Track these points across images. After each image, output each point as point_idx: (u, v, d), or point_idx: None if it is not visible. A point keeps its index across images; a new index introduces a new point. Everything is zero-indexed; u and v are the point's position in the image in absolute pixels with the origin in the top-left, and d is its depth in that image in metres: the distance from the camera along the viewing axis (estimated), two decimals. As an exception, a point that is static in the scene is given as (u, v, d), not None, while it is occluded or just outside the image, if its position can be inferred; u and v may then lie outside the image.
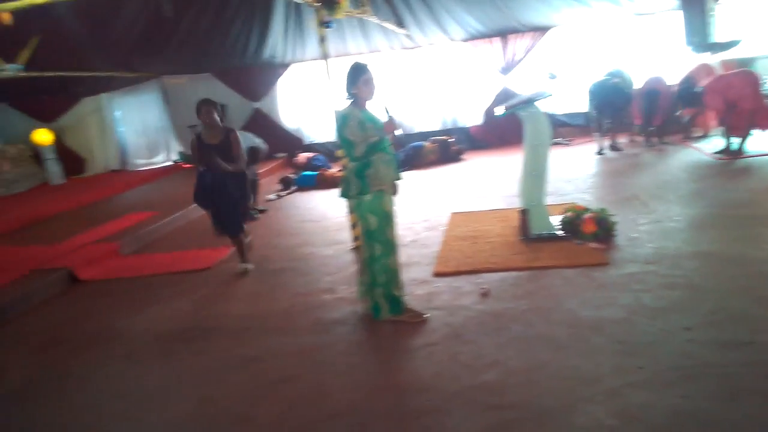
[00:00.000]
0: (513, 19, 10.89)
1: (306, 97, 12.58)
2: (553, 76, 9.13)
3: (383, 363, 3.71)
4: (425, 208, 7.29)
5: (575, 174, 8.22)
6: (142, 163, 13.27)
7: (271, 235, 7.06)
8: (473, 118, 12.22)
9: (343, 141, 4.00)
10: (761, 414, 2.67)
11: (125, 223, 7.83)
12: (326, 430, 2.99)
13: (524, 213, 5.50)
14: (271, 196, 9.39)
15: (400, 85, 12.10)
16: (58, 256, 6.42)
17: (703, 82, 8.56)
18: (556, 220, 5.54)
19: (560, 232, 5.43)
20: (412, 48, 11.94)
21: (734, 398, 2.78)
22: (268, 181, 10.38)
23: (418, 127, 12.36)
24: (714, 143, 8.82)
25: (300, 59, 12.20)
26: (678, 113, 9.64)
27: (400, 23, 10.66)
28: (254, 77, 12.52)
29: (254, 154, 8.08)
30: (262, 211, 8.35)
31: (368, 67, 3.96)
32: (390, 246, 4.04)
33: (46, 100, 12.40)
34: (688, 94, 9.03)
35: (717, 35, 8.46)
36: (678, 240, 5.03)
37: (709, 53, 9.00)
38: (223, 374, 3.73)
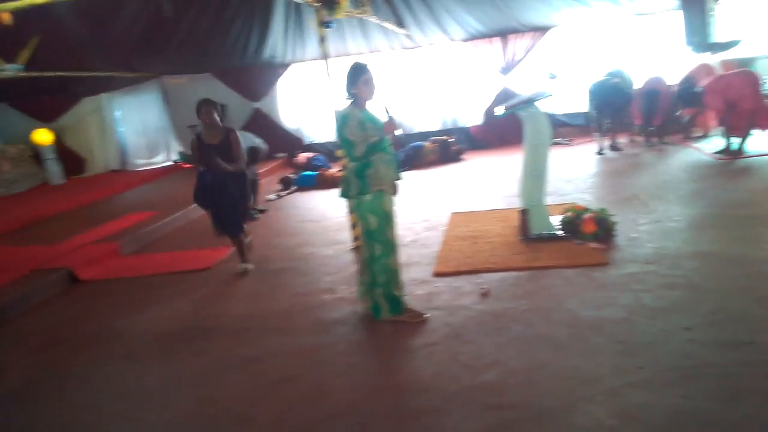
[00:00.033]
0: (513, 19, 10.89)
1: (306, 97, 12.59)
2: (553, 76, 9.14)
3: (383, 363, 3.71)
4: (425, 208, 7.29)
5: (575, 174, 8.22)
6: (142, 163, 13.28)
7: (271, 235, 7.06)
8: (473, 118, 12.22)
9: (343, 141, 4.00)
10: (761, 414, 2.67)
11: (125, 223, 7.83)
12: (326, 430, 2.99)
13: (524, 213, 5.50)
14: (271, 196, 9.39)
15: (400, 85, 12.09)
16: (58, 256, 6.42)
17: (703, 82, 8.56)
18: (556, 220, 5.54)
19: (560, 232, 5.43)
20: (412, 48, 11.94)
21: (734, 398, 2.78)
22: (268, 181, 10.38)
23: (418, 127, 12.36)
24: (714, 143, 8.82)
25: (300, 59, 12.20)
26: (678, 113, 9.64)
27: (400, 23, 10.66)
28: (254, 77, 12.52)
29: (254, 154, 8.08)
30: (262, 211, 8.35)
31: (368, 67, 3.96)
32: (390, 246, 4.04)
33: (46, 100, 12.40)
34: (688, 94, 9.03)
35: (717, 35, 8.46)
36: (678, 240, 5.03)
37: (709, 53, 9.00)
38: (223, 374, 3.73)
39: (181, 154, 12.81)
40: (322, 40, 6.03)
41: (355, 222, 5.49)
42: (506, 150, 10.88)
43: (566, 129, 11.45)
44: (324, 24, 5.94)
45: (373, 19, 9.13)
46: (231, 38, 10.72)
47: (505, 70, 11.66)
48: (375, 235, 4.00)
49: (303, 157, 11.57)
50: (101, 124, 13.01)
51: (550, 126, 5.56)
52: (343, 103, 4.01)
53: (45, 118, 12.49)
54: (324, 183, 9.77)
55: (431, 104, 12.35)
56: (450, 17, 10.86)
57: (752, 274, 4.16)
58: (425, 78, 12.17)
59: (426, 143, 11.03)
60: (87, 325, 4.93)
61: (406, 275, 4.50)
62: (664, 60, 10.34)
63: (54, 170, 12.23)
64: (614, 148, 9.61)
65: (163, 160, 13.21)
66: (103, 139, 13.13)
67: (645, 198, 6.47)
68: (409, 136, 11.69)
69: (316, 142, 12.77)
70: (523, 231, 5.52)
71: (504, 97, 11.04)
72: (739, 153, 7.95)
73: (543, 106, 5.52)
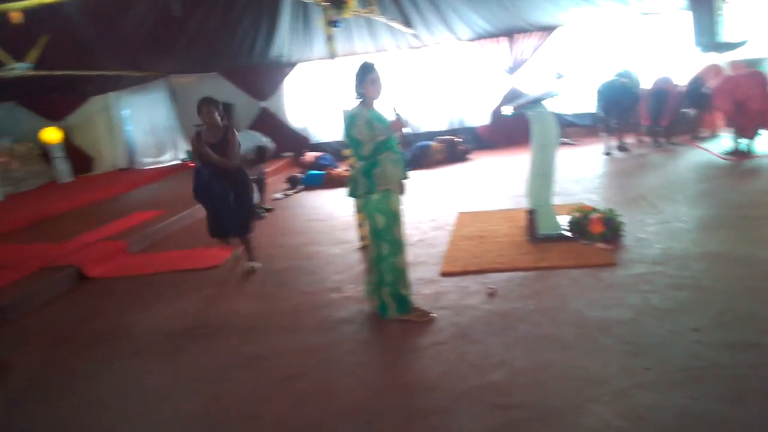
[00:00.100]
0: (520, 18, 10.88)
1: (312, 97, 12.61)
2: (560, 76, 9.10)
3: (390, 362, 3.71)
4: (432, 207, 7.29)
5: (583, 174, 8.20)
6: (150, 161, 13.32)
7: (278, 234, 7.08)
8: (480, 118, 12.21)
9: (351, 140, 4.01)
10: (770, 415, 2.66)
11: (133, 222, 7.87)
12: (333, 429, 3.00)
13: (531, 213, 5.49)
14: (278, 195, 9.41)
15: (407, 85, 12.10)
16: (66, 254, 6.45)
17: (712, 83, 8.53)
18: (563, 221, 5.52)
19: (567, 233, 5.41)
20: (419, 47, 11.95)
21: (742, 400, 2.77)
22: (275, 180, 10.41)
23: (424, 126, 12.36)
24: (722, 144, 8.78)
25: (307, 58, 12.22)
26: (685, 111, 9.61)
27: (408, 22, 10.66)
28: (261, 76, 12.55)
29: (262, 153, 8.12)
30: (269, 210, 8.37)
31: (375, 66, 3.97)
32: (397, 245, 4.05)
33: (55, 99, 12.46)
34: (696, 95, 9.00)
35: (725, 35, 8.42)
36: (686, 241, 5.02)
37: (717, 53, 8.96)
38: (230, 372, 3.74)
39: (188, 152, 12.83)
40: (330, 39, 6.05)
41: (362, 221, 5.49)
42: (513, 150, 10.85)
43: (574, 129, 11.42)
44: (332, 23, 5.95)
45: (380, 19, 9.14)
46: (238, 37, 10.76)
47: (512, 69, 11.64)
48: (382, 234, 4.01)
49: (310, 156, 11.59)
50: (109, 123, 13.08)
51: (557, 126, 5.55)
52: (351, 102, 4.02)
53: (53, 117, 12.55)
54: (331, 182, 9.77)
55: (438, 104, 12.36)
56: (457, 17, 10.86)
57: (760, 275, 4.14)
58: (432, 78, 12.17)
59: (433, 143, 11.04)
60: (95, 322, 4.95)
61: (413, 275, 4.50)
62: (672, 60, 10.30)
63: (62, 169, 12.29)
64: (622, 148, 9.58)
65: (170, 159, 13.26)
66: (110, 137, 13.20)
67: (653, 198, 6.45)
68: (416, 136, 11.68)
69: (322, 141, 12.79)
70: (531, 231, 5.51)
71: (511, 96, 11.02)
72: (747, 154, 7.92)
73: (550, 106, 5.52)
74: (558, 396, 2.99)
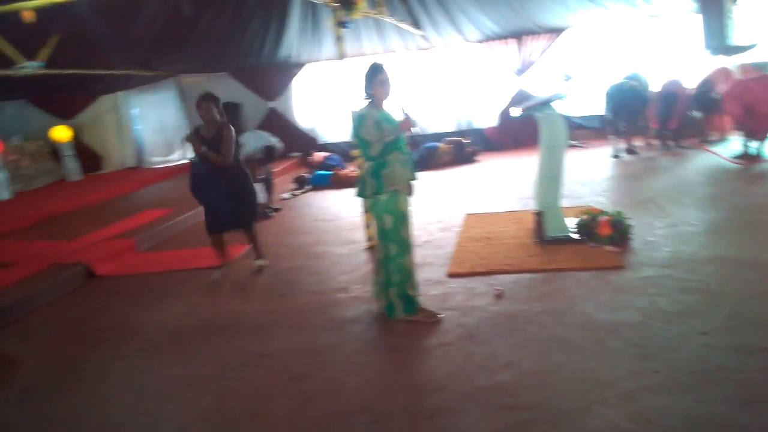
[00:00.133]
0: (528, 20, 10.87)
1: (320, 97, 12.64)
2: (568, 78, 9.09)
3: (397, 362, 3.72)
4: (439, 208, 7.29)
5: (591, 177, 8.18)
6: (159, 160, 13.37)
7: (285, 234, 7.09)
8: (488, 120, 12.20)
9: (360, 141, 4.02)
10: (778, 420, 2.65)
11: (141, 220, 7.91)
12: (340, 428, 3.01)
13: (539, 215, 5.49)
14: (286, 195, 9.44)
15: (415, 86, 12.11)
16: (75, 252, 6.49)
17: (722, 87, 8.49)
18: (571, 223, 5.52)
19: (575, 235, 5.41)
20: (427, 49, 11.96)
21: (750, 403, 2.76)
22: (282, 180, 10.44)
23: (432, 128, 12.36)
24: (731, 147, 8.75)
25: (315, 59, 12.25)
26: (692, 114, 9.59)
27: (416, 24, 10.66)
28: (270, 77, 12.59)
29: (270, 153, 8.15)
30: (276, 210, 8.39)
31: (384, 67, 3.98)
32: (405, 246, 4.05)
33: (65, 98, 12.54)
34: (705, 99, 8.97)
35: (735, 38, 8.39)
36: (694, 244, 5.00)
37: (726, 56, 8.93)
38: (236, 371, 3.75)
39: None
40: (339, 40, 6.06)
41: (370, 221, 5.50)
42: (521, 152, 10.85)
43: (582, 131, 11.40)
44: (341, 24, 5.97)
45: (389, 20, 9.15)
46: (248, 37, 10.79)
47: (521, 71, 11.64)
48: (390, 235, 4.02)
49: (317, 156, 11.61)
50: (118, 122, 13.15)
51: (566, 128, 5.54)
52: (360, 103, 4.03)
53: (63, 115, 12.62)
54: (338, 182, 9.79)
55: (446, 105, 12.36)
56: (465, 18, 10.86)
57: (770, 280, 4.13)
58: (440, 79, 12.18)
59: (440, 144, 11.04)
60: (102, 320, 4.99)
61: (421, 275, 4.50)
62: (681, 63, 10.27)
63: (71, 167, 12.36)
64: (630, 151, 9.55)
65: (178, 158, 13.29)
66: (120, 136, 13.27)
67: (661, 202, 6.43)
68: (424, 137, 11.69)
69: (330, 141, 12.81)
70: (538, 233, 5.51)
71: (519, 98, 11.01)
72: (756, 157, 7.88)
73: (559, 108, 5.51)
74: (565, 398, 2.99)
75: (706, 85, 9.16)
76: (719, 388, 2.89)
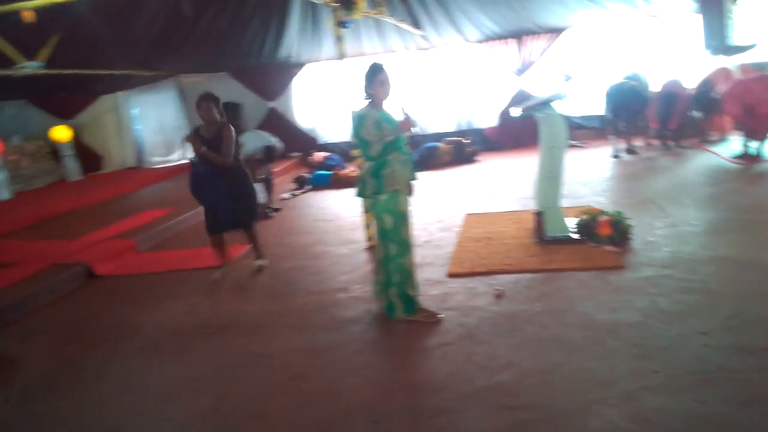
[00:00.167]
0: (528, 20, 10.87)
1: (320, 97, 12.64)
2: (568, 78, 9.09)
3: (397, 362, 3.72)
4: (439, 209, 7.29)
5: (591, 177, 8.18)
6: (158, 160, 13.37)
7: (285, 234, 7.09)
8: (488, 120, 12.20)
9: (360, 141, 4.02)
10: (778, 420, 2.65)
11: (141, 220, 7.91)
12: (339, 428, 3.01)
13: (539, 215, 5.49)
14: (286, 195, 9.44)
15: (415, 86, 12.11)
16: (75, 252, 6.49)
17: (722, 87, 8.49)
18: (571, 223, 5.52)
19: (575, 235, 5.41)
20: (427, 49, 11.96)
21: (750, 403, 2.76)
22: (282, 180, 10.44)
23: (432, 128, 12.36)
24: (731, 147, 8.75)
25: (315, 59, 12.25)
26: (692, 114, 9.59)
27: (416, 24, 10.67)
28: (270, 77, 12.60)
29: (270, 153, 8.15)
30: (276, 210, 8.39)
31: (384, 67, 3.98)
32: (405, 246, 4.05)
33: (65, 98, 12.54)
34: (705, 99, 8.97)
35: (735, 38, 8.39)
36: (694, 244, 5.00)
37: (726, 56, 8.93)
38: (236, 371, 3.76)
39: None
40: (339, 40, 6.06)
41: (370, 221, 5.50)
42: (521, 152, 10.85)
43: (582, 131, 11.39)
44: (341, 24, 5.96)
45: (389, 20, 9.15)
46: (248, 37, 10.79)
47: (521, 71, 11.64)
48: (390, 235, 4.02)
49: (317, 156, 11.61)
50: (118, 122, 13.15)
51: (566, 128, 5.54)
52: (360, 103, 4.03)
53: (63, 115, 12.62)
54: (338, 182, 9.79)
55: (446, 105, 12.36)
56: (465, 18, 10.87)
57: (770, 280, 4.13)
58: (440, 79, 12.18)
59: (440, 144, 11.04)
60: (102, 320, 4.99)
61: (420, 275, 4.50)
62: (681, 63, 10.27)
63: (71, 167, 12.35)
64: (630, 151, 9.55)
65: (178, 158, 13.29)
66: (119, 136, 13.27)
67: (661, 202, 6.43)
68: (424, 137, 11.70)
69: (330, 141, 12.81)
70: (538, 233, 5.51)
71: (519, 98, 11.01)
72: (756, 157, 7.88)
73: (559, 108, 5.51)
74: (565, 398, 2.99)
75: (706, 85, 9.17)
76: (719, 388, 2.89)
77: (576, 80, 9.38)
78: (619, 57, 10.79)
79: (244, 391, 3.50)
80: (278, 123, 12.32)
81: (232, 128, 5.34)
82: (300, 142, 12.54)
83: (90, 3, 7.24)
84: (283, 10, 10.14)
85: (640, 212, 6.00)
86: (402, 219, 4.02)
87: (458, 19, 10.87)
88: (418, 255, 4.83)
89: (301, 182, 10.10)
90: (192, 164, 5.46)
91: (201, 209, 7.76)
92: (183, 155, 13.19)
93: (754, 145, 7.99)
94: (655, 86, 9.54)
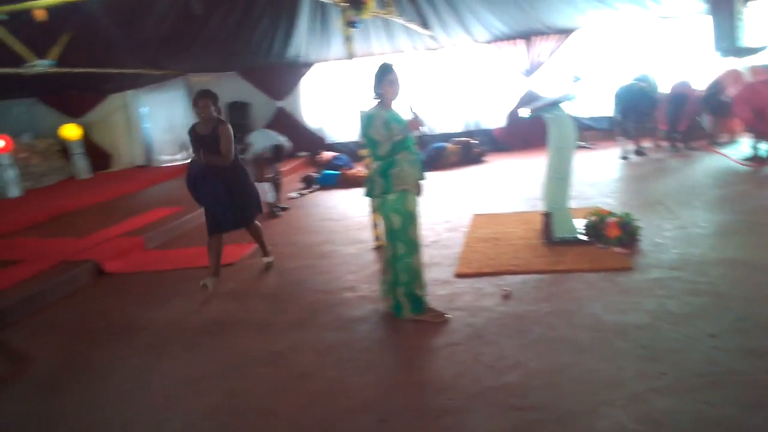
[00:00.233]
0: (537, 20, 10.85)
1: (329, 97, 12.66)
2: (577, 79, 9.07)
3: (404, 361, 3.73)
4: (447, 209, 7.29)
5: (599, 178, 8.17)
6: (167, 159, 13.43)
7: (293, 233, 7.11)
8: (496, 120, 12.19)
9: (368, 140, 4.03)
10: (787, 423, 2.64)
11: (150, 218, 7.95)
12: (346, 426, 3.01)
13: (547, 216, 5.48)
14: (294, 194, 9.46)
15: (423, 86, 12.10)
16: (85, 249, 6.53)
17: (731, 89, 8.44)
18: (579, 224, 5.50)
19: (583, 236, 5.39)
20: (435, 49, 11.95)
21: (759, 406, 2.75)
22: (290, 180, 10.46)
23: (440, 128, 12.35)
24: (741, 149, 8.70)
25: (324, 59, 12.27)
26: (701, 117, 9.54)
27: (425, 24, 10.67)
28: (278, 76, 12.63)
29: (278, 152, 8.17)
30: (284, 209, 8.41)
31: (393, 67, 3.99)
32: (413, 245, 4.06)
33: (75, 96, 12.61)
34: (715, 101, 8.92)
35: (745, 40, 8.34)
36: (703, 246, 4.98)
37: (736, 58, 8.88)
38: (245, 368, 3.77)
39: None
40: (348, 39, 6.07)
41: (377, 221, 5.50)
42: (529, 153, 10.83)
43: (591, 132, 11.35)
44: (350, 24, 5.97)
45: (398, 20, 9.16)
46: (257, 37, 10.81)
47: (529, 72, 11.62)
48: (398, 235, 4.02)
49: (325, 156, 11.63)
50: (127, 120, 13.20)
51: (575, 129, 5.53)
52: (369, 102, 4.04)
53: (73, 114, 12.69)
54: (346, 182, 9.81)
55: (454, 106, 12.35)
56: (474, 18, 10.86)
57: (779, 282, 4.11)
58: (449, 79, 12.18)
59: (448, 144, 11.03)
60: (112, 317, 5.01)
61: (428, 275, 4.50)
62: (690, 64, 10.22)
63: (81, 165, 12.42)
64: (639, 152, 9.52)
65: (187, 156, 13.34)
66: (129, 135, 13.33)
67: (670, 203, 6.41)
68: (432, 137, 11.69)
69: (338, 141, 12.83)
70: (546, 234, 5.50)
71: (528, 99, 10.99)
72: (766, 160, 7.84)
73: (568, 109, 5.50)
74: (573, 399, 2.98)
75: (716, 87, 9.12)
76: (728, 391, 2.88)
77: (585, 81, 9.34)
78: (628, 58, 10.76)
79: (252, 389, 3.51)
80: (286, 122, 12.34)
81: (229, 126, 5.29)
82: (308, 142, 12.55)
83: (101, 2, 7.28)
84: (293, 10, 10.16)
85: (648, 214, 5.98)
86: (410, 219, 4.02)
87: (467, 19, 10.86)
88: (426, 255, 4.83)
89: (308, 181, 10.12)
90: (189, 164, 5.43)
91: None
92: (191, 154, 13.23)
93: (763, 148, 7.94)
94: (664, 88, 9.51)
